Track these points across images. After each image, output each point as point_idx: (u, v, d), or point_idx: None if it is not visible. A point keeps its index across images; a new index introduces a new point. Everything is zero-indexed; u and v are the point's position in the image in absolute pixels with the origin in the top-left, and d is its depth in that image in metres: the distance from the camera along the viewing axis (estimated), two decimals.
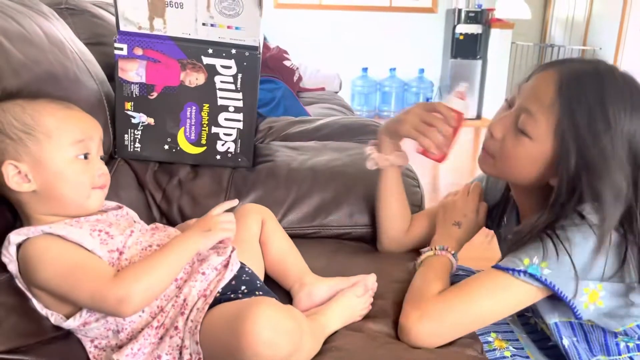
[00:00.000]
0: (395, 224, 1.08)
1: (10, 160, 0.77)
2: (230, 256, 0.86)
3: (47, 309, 0.77)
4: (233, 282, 0.83)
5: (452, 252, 0.95)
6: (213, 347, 0.72)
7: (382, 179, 1.06)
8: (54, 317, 0.77)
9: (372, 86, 5.42)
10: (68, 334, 0.78)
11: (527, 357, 0.94)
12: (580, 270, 0.76)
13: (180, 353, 0.74)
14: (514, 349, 0.95)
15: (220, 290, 0.80)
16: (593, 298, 0.78)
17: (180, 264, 0.79)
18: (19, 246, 0.76)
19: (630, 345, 0.86)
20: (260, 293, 0.83)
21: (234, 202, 0.91)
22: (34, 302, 0.77)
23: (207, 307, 0.76)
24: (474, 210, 1.02)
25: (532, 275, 0.77)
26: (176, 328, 0.75)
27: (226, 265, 0.85)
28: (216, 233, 0.83)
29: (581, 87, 0.76)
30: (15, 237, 0.76)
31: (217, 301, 0.78)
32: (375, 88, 5.44)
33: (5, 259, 0.77)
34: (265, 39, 3.42)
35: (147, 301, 0.74)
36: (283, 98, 1.88)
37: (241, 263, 0.88)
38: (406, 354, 0.78)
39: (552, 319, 0.86)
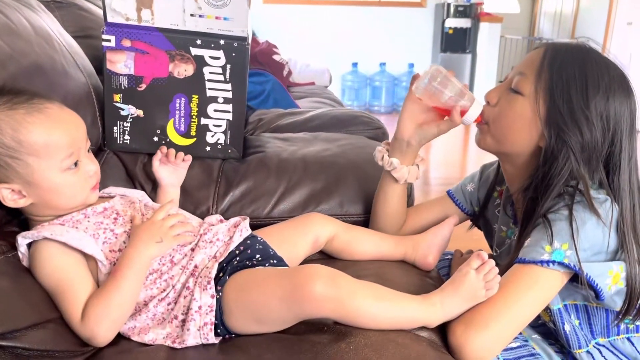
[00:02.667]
0: (393, 225, 1.09)
1: (2, 185, 0.77)
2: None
3: None
4: (249, 251, 0.85)
5: None
6: (247, 304, 0.77)
7: (388, 189, 1.05)
8: None
9: (362, 81, 5.42)
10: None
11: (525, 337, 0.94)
12: (596, 244, 0.79)
13: (189, 306, 0.77)
14: None
15: (237, 259, 0.83)
16: (616, 279, 0.81)
17: (138, 284, 0.78)
18: (29, 244, 0.78)
19: (631, 326, 0.88)
20: (275, 262, 0.86)
21: (172, 205, 0.88)
22: None
23: (216, 265, 0.81)
24: None
25: (560, 263, 0.79)
26: (187, 288, 0.79)
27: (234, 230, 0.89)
28: (169, 244, 0.81)
29: (566, 54, 0.85)
30: (22, 239, 0.78)
31: (235, 268, 0.81)
32: (366, 83, 5.44)
33: (20, 255, 0.79)
34: (254, 33, 3.41)
35: (115, 330, 0.77)
36: (273, 91, 1.87)
37: (253, 233, 0.91)
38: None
39: (557, 305, 0.86)
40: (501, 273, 0.81)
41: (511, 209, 0.98)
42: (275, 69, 2.60)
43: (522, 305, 0.80)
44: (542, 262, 0.79)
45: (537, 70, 0.85)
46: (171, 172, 1.08)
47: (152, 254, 0.79)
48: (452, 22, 5.20)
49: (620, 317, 0.84)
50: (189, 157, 1.09)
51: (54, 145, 0.77)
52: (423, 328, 0.81)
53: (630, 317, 0.85)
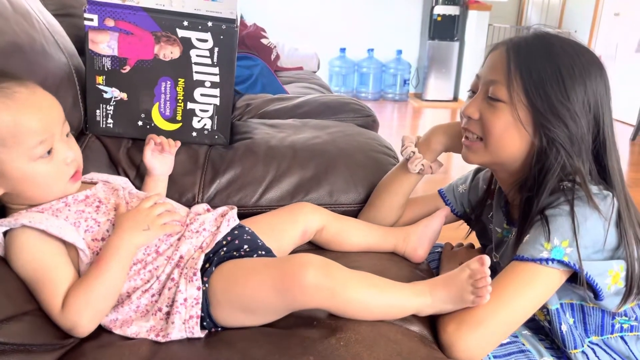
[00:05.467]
0: (389, 219, 1.08)
1: None
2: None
3: None
4: (236, 242, 0.83)
5: None
6: (235, 294, 0.75)
7: (404, 177, 1.05)
8: None
9: (350, 67, 5.38)
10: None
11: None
12: (597, 241, 0.77)
13: (174, 298, 0.74)
14: None
15: (225, 249, 0.80)
16: (615, 279, 0.79)
17: (123, 274, 0.75)
18: (5, 232, 0.74)
19: (625, 326, 0.87)
20: (263, 252, 0.83)
21: (160, 196, 0.86)
22: None
23: (203, 256, 0.78)
24: None
25: (559, 262, 0.77)
26: (172, 279, 0.76)
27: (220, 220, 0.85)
28: (156, 232, 0.78)
29: (529, 49, 0.82)
30: None
31: (222, 259, 0.79)
32: (353, 69, 5.40)
33: None
34: (242, 16, 3.34)
35: (98, 321, 0.74)
36: (261, 75, 1.83)
37: (240, 223, 0.88)
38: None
39: (555, 304, 0.85)
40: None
41: (504, 209, 0.96)
42: (263, 53, 2.55)
43: (518, 304, 0.78)
44: (540, 259, 0.77)
45: (506, 75, 0.81)
46: (162, 161, 1.04)
47: (138, 243, 0.76)
48: (440, 9, 5.16)
49: (616, 309, 0.83)
50: (178, 143, 1.06)
51: (22, 133, 0.71)
52: (414, 322, 0.79)
53: (627, 319, 0.85)
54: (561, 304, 0.86)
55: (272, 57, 2.72)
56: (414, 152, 1.02)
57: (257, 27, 2.90)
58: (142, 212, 0.78)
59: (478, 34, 5.14)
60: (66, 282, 0.72)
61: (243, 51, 2.03)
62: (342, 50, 5.34)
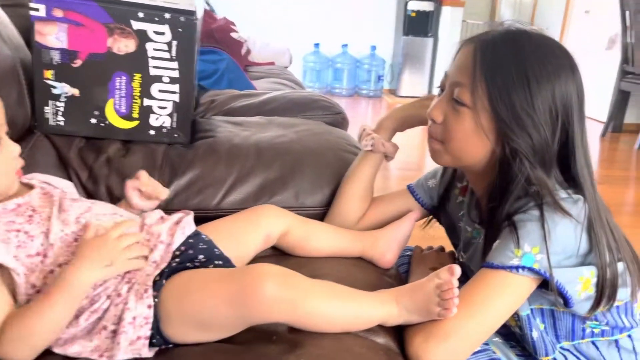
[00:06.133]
0: (353, 211, 1.04)
1: None
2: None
3: None
4: (190, 252, 0.77)
5: None
6: (187, 309, 0.69)
7: (363, 161, 1.04)
8: None
9: (324, 63, 5.32)
10: None
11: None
12: (568, 247, 0.74)
13: (121, 315, 0.68)
14: None
15: (177, 260, 0.74)
16: (586, 286, 0.76)
17: (70, 311, 0.68)
18: None
19: (596, 330, 0.84)
20: (220, 262, 0.78)
21: (133, 225, 0.77)
22: None
23: (157, 272, 0.72)
24: (447, 263, 1.01)
25: (530, 269, 0.73)
26: (119, 295, 0.70)
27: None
28: (119, 269, 0.71)
29: (496, 51, 0.77)
30: None
31: (173, 270, 0.73)
32: (327, 65, 5.35)
33: None
34: (212, 9, 3.26)
35: (35, 355, 0.67)
36: (227, 70, 1.77)
37: (197, 230, 0.82)
38: None
39: (526, 311, 0.82)
40: None
41: (476, 209, 0.93)
42: (232, 47, 2.48)
43: (488, 314, 0.75)
44: (511, 267, 0.74)
45: (471, 78, 0.77)
46: (147, 199, 0.90)
47: (96, 279, 0.69)
48: (414, 5, 5.15)
49: (586, 315, 0.80)
50: (166, 193, 0.89)
51: None
52: (380, 334, 0.75)
53: (598, 324, 0.82)
54: (531, 309, 0.83)
55: (243, 51, 2.65)
56: (364, 130, 1.01)
57: (227, 21, 2.82)
58: (108, 243, 0.70)
59: (452, 30, 5.14)
60: (1, 309, 0.66)
61: (210, 45, 1.96)
62: (317, 45, 5.28)
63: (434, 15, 5.19)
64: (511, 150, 0.76)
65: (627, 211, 2.67)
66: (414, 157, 3.36)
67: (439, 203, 1.04)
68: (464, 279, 1.03)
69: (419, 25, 5.18)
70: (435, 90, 0.89)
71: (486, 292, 0.75)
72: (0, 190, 0.73)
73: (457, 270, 0.71)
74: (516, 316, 0.82)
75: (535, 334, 0.82)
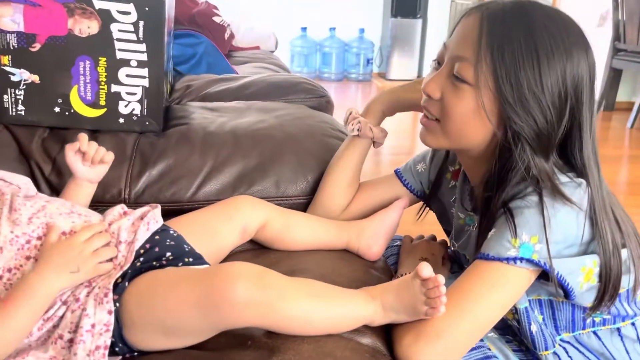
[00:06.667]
0: (339, 197, 0.98)
1: None
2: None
3: None
4: (156, 249, 0.70)
5: None
6: (152, 313, 0.63)
7: (350, 146, 0.98)
8: None
9: (311, 47, 5.23)
10: None
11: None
12: (570, 235, 0.69)
13: (78, 323, 0.62)
14: None
15: (142, 259, 0.68)
16: (588, 276, 0.71)
17: (33, 319, 0.62)
18: None
19: (597, 320, 0.79)
20: (190, 259, 0.71)
21: (102, 227, 0.71)
22: None
23: (120, 273, 0.65)
24: (439, 253, 0.97)
25: (529, 261, 0.68)
26: (77, 300, 0.63)
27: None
28: (86, 275, 0.65)
29: (506, 24, 0.70)
30: None
31: (137, 271, 0.66)
32: (315, 49, 5.25)
33: None
34: None
35: None
36: (205, 54, 1.69)
37: (164, 225, 0.75)
38: None
39: (524, 303, 0.76)
40: None
41: (469, 195, 0.87)
42: (215, 32, 2.39)
43: (483, 310, 0.69)
44: (508, 259, 0.68)
45: (476, 52, 0.70)
46: (89, 167, 0.85)
47: (63, 286, 0.63)
48: None
49: (588, 311, 0.75)
50: (111, 156, 0.85)
51: None
52: (366, 334, 0.69)
53: (600, 313, 0.76)
54: (529, 301, 0.77)
55: (226, 36, 2.56)
56: (350, 113, 0.96)
57: (209, 5, 2.73)
58: (75, 247, 0.65)
59: (440, 11, 5.06)
60: None
61: (188, 29, 1.88)
62: (304, 29, 5.18)
63: None
64: (513, 134, 0.70)
65: (621, 190, 2.62)
66: (405, 141, 3.30)
67: (430, 189, 0.98)
68: (457, 269, 0.98)
69: (407, 6, 5.09)
70: (426, 72, 0.81)
71: (481, 286, 0.69)
72: None
73: (427, 271, 0.64)
74: (514, 309, 0.76)
75: (534, 328, 0.76)
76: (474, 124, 0.72)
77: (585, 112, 0.71)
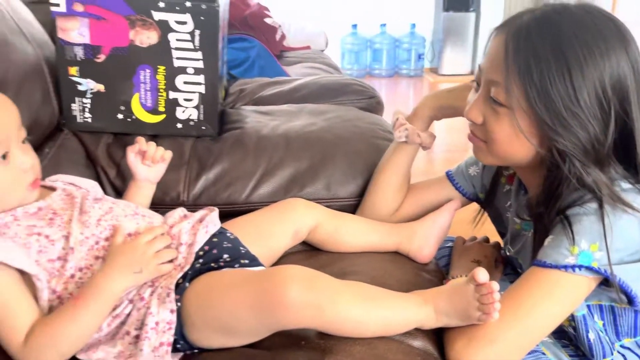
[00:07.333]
0: (388, 202, 0.98)
1: None
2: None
3: None
4: (214, 251, 0.74)
5: None
6: (211, 313, 0.66)
7: (397, 152, 0.97)
8: None
9: (362, 44, 5.21)
10: None
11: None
12: (632, 242, 0.67)
13: (144, 320, 0.65)
14: None
15: (201, 261, 0.71)
16: None
17: (100, 318, 0.66)
18: None
19: None
20: (246, 261, 0.74)
21: (163, 229, 0.74)
22: None
23: (181, 274, 0.69)
24: (492, 255, 0.95)
25: (588, 268, 0.66)
26: (142, 299, 0.67)
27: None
28: (149, 276, 0.69)
29: (529, 40, 0.67)
30: None
31: (197, 272, 0.70)
32: (366, 46, 5.23)
33: None
34: None
35: None
36: (258, 57, 1.73)
37: (222, 228, 0.79)
38: None
39: (581, 311, 0.74)
40: None
41: (525, 199, 0.85)
42: (267, 33, 2.44)
43: (537, 318, 0.68)
44: (566, 266, 0.66)
45: (504, 75, 0.68)
46: (149, 166, 0.89)
47: (127, 286, 0.67)
48: None
49: None
50: (169, 154, 0.89)
51: None
52: (417, 337, 0.70)
53: None
54: (588, 306, 0.76)
55: (277, 37, 2.60)
56: (397, 119, 0.94)
57: (260, 6, 2.77)
58: (139, 249, 0.68)
59: (495, 4, 4.93)
60: (26, 315, 0.65)
61: (240, 32, 1.92)
62: (354, 26, 5.17)
63: None
64: (558, 151, 0.68)
65: None
66: (459, 138, 3.23)
67: (483, 193, 0.97)
68: (511, 271, 0.97)
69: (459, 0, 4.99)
70: None
71: (537, 294, 0.68)
72: (13, 203, 0.70)
73: (483, 276, 0.64)
74: (570, 316, 0.74)
75: (592, 336, 0.75)
76: (517, 145, 0.71)
77: (636, 111, 0.68)
